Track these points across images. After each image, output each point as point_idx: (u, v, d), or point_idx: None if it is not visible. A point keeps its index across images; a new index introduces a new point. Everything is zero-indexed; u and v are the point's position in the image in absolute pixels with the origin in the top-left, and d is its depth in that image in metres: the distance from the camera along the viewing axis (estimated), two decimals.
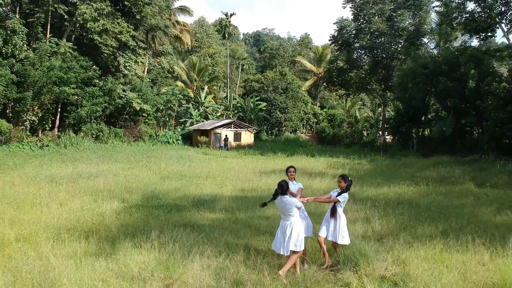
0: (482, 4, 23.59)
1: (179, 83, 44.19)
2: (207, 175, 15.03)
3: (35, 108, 26.91)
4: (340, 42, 35.35)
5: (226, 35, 47.64)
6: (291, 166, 6.07)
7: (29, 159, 18.95)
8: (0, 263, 5.25)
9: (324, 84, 45.94)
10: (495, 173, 14.76)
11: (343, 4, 34.25)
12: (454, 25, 25.75)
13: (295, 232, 5.15)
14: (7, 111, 27.66)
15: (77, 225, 7.36)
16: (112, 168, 15.89)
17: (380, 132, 37.43)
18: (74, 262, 5.41)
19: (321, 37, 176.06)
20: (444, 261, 5.61)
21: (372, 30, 32.21)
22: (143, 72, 37.07)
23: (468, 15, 23.58)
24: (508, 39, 23.52)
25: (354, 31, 34.60)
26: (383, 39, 33.22)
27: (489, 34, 24.70)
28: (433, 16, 32.27)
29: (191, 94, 41.67)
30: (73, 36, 31.59)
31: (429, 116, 30.79)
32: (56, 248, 6.01)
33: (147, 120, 34.76)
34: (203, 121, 38.70)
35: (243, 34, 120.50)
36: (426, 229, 7.28)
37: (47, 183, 11.85)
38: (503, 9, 23.80)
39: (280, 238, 5.26)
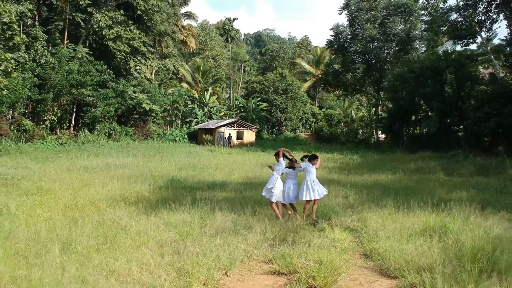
0: (464, 14, 25.87)
1: (184, 85, 46.56)
2: (216, 167, 17.37)
3: (55, 109, 29.30)
4: (336, 46, 37.70)
5: (229, 39, 49.94)
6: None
7: (56, 154, 21.32)
8: (86, 216, 7.60)
9: (322, 85, 48.31)
10: (464, 165, 17.08)
11: (339, 10, 36.64)
12: (440, 32, 28.06)
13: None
14: (26, 111, 30.05)
15: (124, 198, 9.70)
16: (133, 161, 18.26)
17: (374, 131, 39.76)
18: (131, 218, 7.75)
19: (322, 36, 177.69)
20: (393, 218, 7.92)
21: (365, 35, 34.54)
22: (151, 74, 39.44)
23: (450, 24, 25.89)
24: (486, 46, 25.78)
25: (349, 36, 36.95)
26: (376, 44, 35.53)
27: (471, 40, 26.99)
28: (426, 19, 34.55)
29: (196, 95, 44.07)
30: (87, 42, 33.96)
31: (418, 116, 33.08)
32: (116, 210, 8.34)
33: (155, 119, 37.14)
34: (207, 121, 41.08)
35: (244, 34, 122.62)
36: (388, 201, 9.58)
37: (84, 171, 14.21)
38: (483, 18, 26.09)
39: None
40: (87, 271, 4.96)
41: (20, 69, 26.38)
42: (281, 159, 8.07)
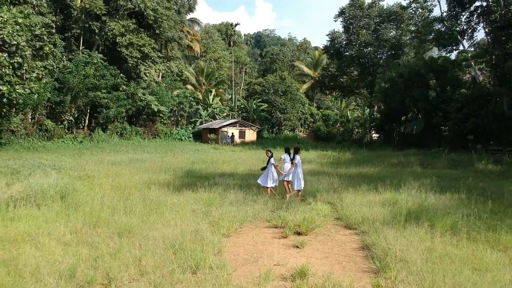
0: (447, 24, 28.39)
1: (189, 87, 49.09)
2: (223, 162, 19.85)
3: (72, 110, 31.83)
4: (332, 51, 40.24)
5: (231, 43, 52.43)
6: (269, 150, 11.03)
7: (79, 151, 23.83)
8: (131, 194, 10.12)
9: (319, 87, 50.88)
10: (439, 160, 19.59)
11: (334, 18, 39.15)
12: (426, 40, 30.62)
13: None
14: (45, 112, 32.51)
15: (154, 183, 12.19)
16: (150, 157, 20.76)
17: (368, 130, 42.28)
18: (166, 196, 10.24)
19: (321, 36, 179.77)
20: (363, 196, 10.42)
21: (359, 41, 37.08)
22: (158, 77, 41.94)
23: (434, 34, 28.42)
24: (467, 52, 28.28)
25: (344, 42, 39.50)
26: (369, 49, 38.08)
27: (454, 48, 29.52)
28: (413, 29, 37.08)
29: (200, 97, 46.61)
30: (100, 48, 36.47)
31: (408, 117, 35.58)
32: (152, 190, 10.83)
33: (162, 120, 39.67)
34: (211, 121, 43.61)
35: (244, 35, 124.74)
36: (363, 186, 12.09)
37: (112, 164, 16.72)
38: (465, 27, 28.60)
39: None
40: (148, 224, 7.47)
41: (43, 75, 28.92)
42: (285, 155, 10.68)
